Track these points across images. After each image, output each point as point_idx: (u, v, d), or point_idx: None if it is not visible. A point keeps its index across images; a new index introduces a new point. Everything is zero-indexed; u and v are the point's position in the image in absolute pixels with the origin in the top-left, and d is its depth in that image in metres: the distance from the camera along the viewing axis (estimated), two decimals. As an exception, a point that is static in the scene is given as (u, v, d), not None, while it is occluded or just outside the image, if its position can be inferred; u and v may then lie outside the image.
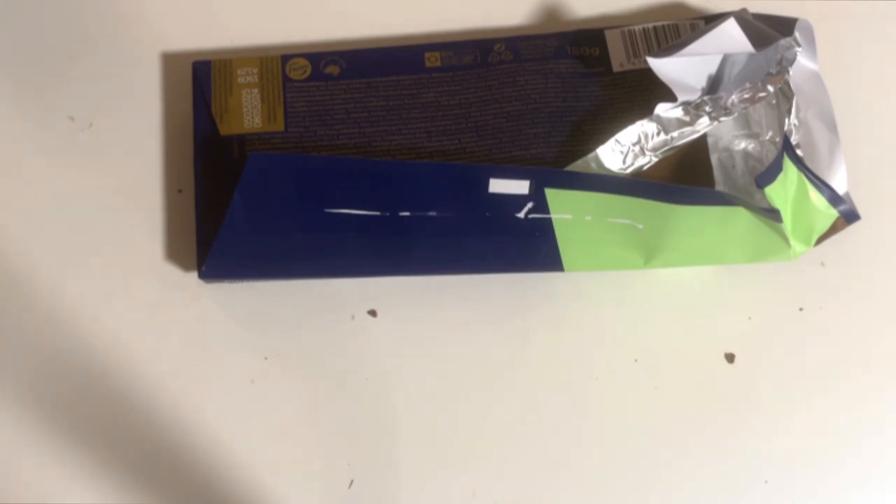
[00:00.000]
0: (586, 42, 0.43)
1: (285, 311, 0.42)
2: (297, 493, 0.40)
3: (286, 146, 0.41)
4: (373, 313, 0.42)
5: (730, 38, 0.39)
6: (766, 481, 0.40)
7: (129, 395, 0.40)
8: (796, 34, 0.40)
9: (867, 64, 0.46)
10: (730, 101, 0.40)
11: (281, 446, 0.40)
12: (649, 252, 0.40)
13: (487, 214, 0.39)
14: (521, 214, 0.39)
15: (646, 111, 0.40)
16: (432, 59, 0.43)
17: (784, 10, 0.46)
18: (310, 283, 0.42)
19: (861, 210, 0.43)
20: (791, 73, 0.40)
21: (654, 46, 0.43)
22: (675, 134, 0.40)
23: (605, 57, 0.43)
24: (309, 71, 0.42)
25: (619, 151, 0.39)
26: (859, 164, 0.44)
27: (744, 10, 0.43)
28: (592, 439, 0.41)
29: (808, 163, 0.41)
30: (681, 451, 0.41)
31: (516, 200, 0.39)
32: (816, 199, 0.41)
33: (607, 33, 0.44)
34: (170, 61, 0.45)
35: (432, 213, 0.38)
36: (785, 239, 0.40)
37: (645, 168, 0.40)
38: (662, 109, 0.39)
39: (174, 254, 0.42)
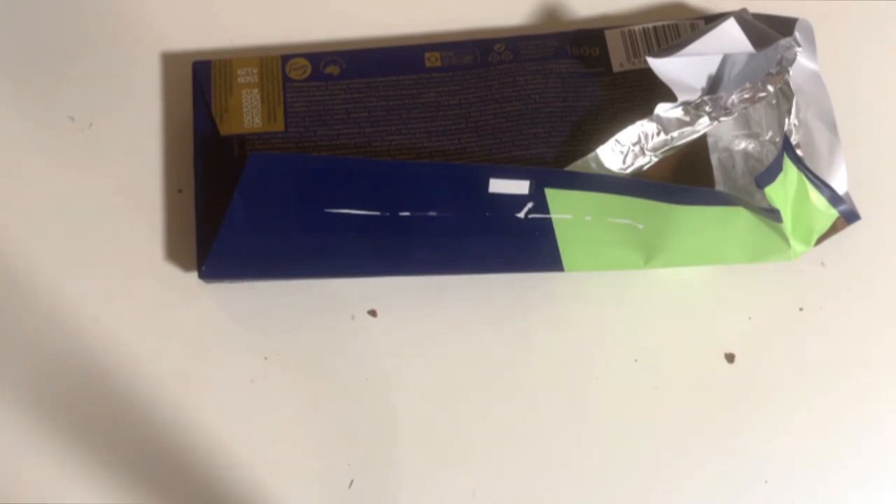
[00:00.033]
0: (586, 42, 0.43)
1: (285, 311, 0.42)
2: (297, 493, 0.40)
3: (286, 146, 0.41)
4: (373, 313, 0.42)
5: (730, 38, 0.39)
6: (766, 481, 0.40)
7: (129, 395, 0.40)
8: (796, 34, 0.40)
9: (867, 64, 0.46)
10: (730, 101, 0.40)
11: (281, 446, 0.40)
12: (649, 252, 0.40)
13: (487, 214, 0.39)
14: (521, 214, 0.39)
15: (646, 111, 0.40)
16: (432, 59, 0.43)
17: (784, 10, 0.46)
18: (310, 283, 0.42)
19: (861, 210, 0.43)
20: (791, 73, 0.40)
21: (654, 46, 0.43)
22: (675, 134, 0.40)
23: (605, 57, 0.43)
24: (309, 71, 0.42)
25: (619, 151, 0.39)
26: (859, 164, 0.44)
27: (744, 10, 0.43)
28: (592, 439, 0.41)
29: (808, 163, 0.41)
30: (681, 451, 0.41)
31: (516, 200, 0.39)
32: (816, 199, 0.41)
33: (607, 33, 0.44)
34: (170, 61, 0.45)
35: (432, 213, 0.38)
36: (785, 239, 0.40)
37: (645, 168, 0.40)
38: (662, 109, 0.39)
39: (174, 254, 0.42)
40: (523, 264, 0.40)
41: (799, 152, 0.40)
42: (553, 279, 0.42)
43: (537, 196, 0.38)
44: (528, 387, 0.41)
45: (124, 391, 0.40)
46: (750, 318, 0.42)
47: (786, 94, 0.40)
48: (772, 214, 0.39)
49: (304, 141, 0.41)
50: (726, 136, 0.43)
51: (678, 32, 0.44)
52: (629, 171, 0.40)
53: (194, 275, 0.42)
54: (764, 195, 0.39)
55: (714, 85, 0.40)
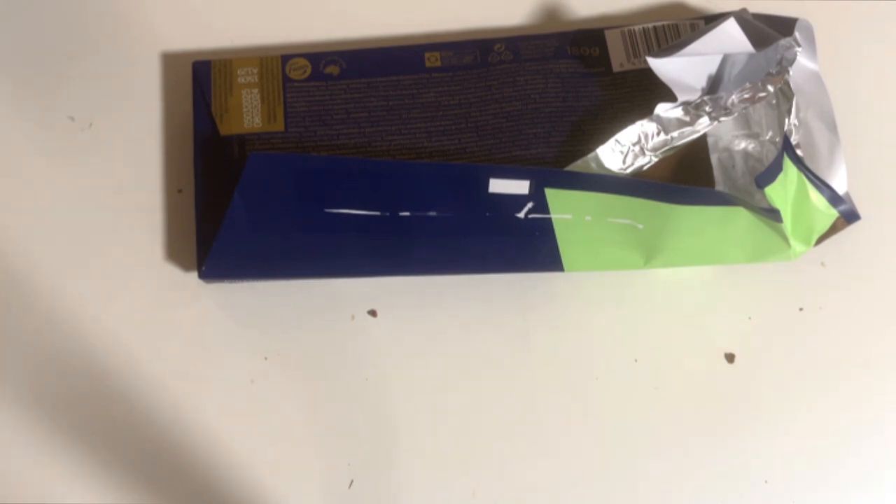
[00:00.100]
0: (586, 42, 0.43)
1: (285, 311, 0.42)
2: (297, 493, 0.40)
3: (286, 146, 0.41)
4: (373, 313, 0.42)
5: (730, 38, 0.39)
6: (766, 481, 0.40)
7: (129, 395, 0.40)
8: (796, 34, 0.40)
9: (867, 64, 0.46)
10: (730, 101, 0.40)
11: (281, 446, 0.40)
12: (649, 252, 0.40)
13: (487, 214, 0.39)
14: (521, 214, 0.39)
15: (646, 111, 0.40)
16: (432, 59, 0.43)
17: (784, 10, 0.46)
18: (310, 283, 0.42)
19: (861, 210, 0.43)
20: (791, 73, 0.40)
21: (654, 46, 0.43)
22: (675, 134, 0.40)
23: (605, 57, 0.43)
24: (309, 71, 0.42)
25: (619, 151, 0.39)
26: (859, 164, 0.44)
27: (744, 10, 0.43)
28: (592, 439, 0.41)
29: (808, 163, 0.41)
30: (681, 451, 0.41)
31: (516, 200, 0.39)
32: (816, 199, 0.41)
33: (607, 33, 0.44)
34: (170, 61, 0.45)
35: (432, 213, 0.38)
36: (785, 239, 0.40)
37: (645, 168, 0.40)
38: (662, 109, 0.39)
39: (174, 254, 0.42)
40: (523, 264, 0.40)
41: (799, 152, 0.40)
42: (553, 279, 0.42)
43: (537, 196, 0.38)
44: (528, 387, 0.41)
45: (124, 391, 0.40)
46: (750, 318, 0.42)
47: (786, 94, 0.40)
48: (772, 214, 0.39)
49: (304, 141, 0.41)
50: (726, 136, 0.43)
51: (678, 32, 0.44)
52: (629, 171, 0.40)
53: (194, 275, 0.42)
54: (764, 195, 0.39)
55: (714, 85, 0.40)
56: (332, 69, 0.42)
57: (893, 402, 0.41)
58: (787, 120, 0.40)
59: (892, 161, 0.45)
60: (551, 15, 0.46)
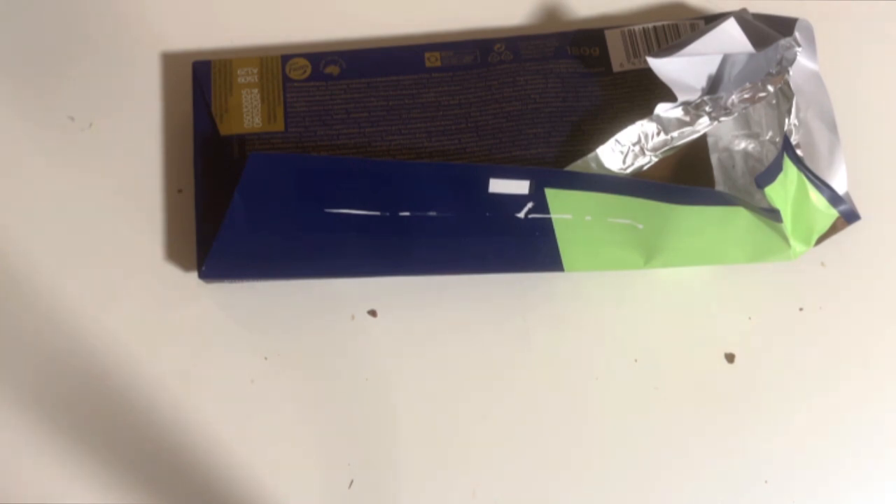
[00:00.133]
0: (586, 42, 0.43)
1: (285, 311, 0.42)
2: (297, 493, 0.40)
3: (286, 146, 0.41)
4: (373, 313, 0.42)
5: (730, 38, 0.39)
6: (766, 481, 0.40)
7: (129, 395, 0.40)
8: (796, 34, 0.40)
9: (867, 64, 0.46)
10: (730, 101, 0.40)
11: (281, 446, 0.40)
12: (649, 252, 0.40)
13: (487, 214, 0.39)
14: (521, 214, 0.39)
15: (646, 111, 0.40)
16: (432, 59, 0.43)
17: (784, 10, 0.46)
18: (310, 283, 0.42)
19: (861, 210, 0.43)
20: (791, 73, 0.40)
21: (654, 46, 0.43)
22: (675, 134, 0.40)
23: (605, 57, 0.43)
24: (309, 71, 0.42)
25: (619, 151, 0.39)
26: (859, 164, 0.44)
27: (744, 10, 0.43)
28: (592, 439, 0.41)
29: (808, 163, 0.41)
30: (681, 451, 0.41)
31: (516, 200, 0.39)
32: (816, 199, 0.41)
33: (607, 33, 0.44)
34: (170, 61, 0.45)
35: (432, 213, 0.38)
36: (785, 239, 0.40)
37: (645, 168, 0.40)
38: (662, 109, 0.39)
39: (174, 254, 0.42)
40: (523, 264, 0.40)
41: (799, 152, 0.40)
42: (553, 279, 0.42)
43: (537, 196, 0.38)
44: (528, 387, 0.41)
45: (124, 391, 0.40)
46: (750, 318, 0.42)
47: (786, 94, 0.40)
48: (772, 214, 0.39)
49: (304, 141, 0.41)
50: (726, 136, 0.43)
51: (678, 32, 0.44)
52: (629, 171, 0.40)
53: (194, 275, 0.42)
54: (764, 195, 0.39)
55: (714, 85, 0.40)
56: (332, 69, 0.42)
57: (893, 402, 0.41)
58: (787, 120, 0.40)
59: (892, 161, 0.45)
60: (551, 15, 0.46)
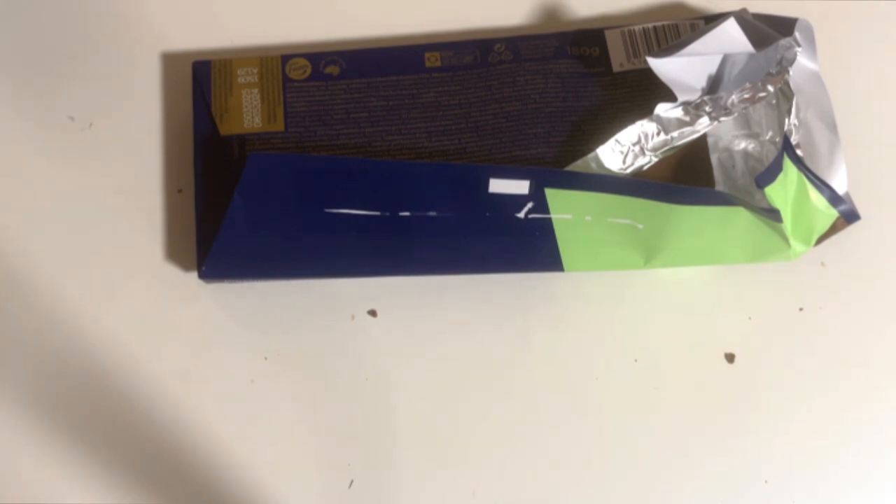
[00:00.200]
0: (586, 42, 0.43)
1: (285, 311, 0.42)
2: (297, 493, 0.40)
3: (286, 146, 0.41)
4: (373, 313, 0.42)
5: (730, 38, 0.39)
6: (766, 481, 0.40)
7: (129, 395, 0.40)
8: (796, 34, 0.40)
9: (867, 64, 0.46)
10: (730, 101, 0.40)
11: (281, 446, 0.40)
12: (649, 252, 0.40)
13: (487, 214, 0.39)
14: (521, 214, 0.39)
15: (646, 111, 0.40)
16: (432, 59, 0.43)
17: (784, 10, 0.46)
18: (310, 283, 0.42)
19: (861, 210, 0.43)
20: (791, 73, 0.40)
21: (654, 46, 0.43)
22: (675, 134, 0.40)
23: (605, 57, 0.43)
24: (309, 71, 0.42)
25: (619, 151, 0.39)
26: (859, 164, 0.44)
27: (744, 10, 0.43)
28: (592, 439, 0.41)
29: (808, 163, 0.41)
30: (681, 451, 0.41)
31: (516, 200, 0.39)
32: (816, 199, 0.41)
33: (607, 33, 0.44)
34: (170, 61, 0.45)
35: (432, 213, 0.38)
36: (785, 239, 0.40)
37: (645, 168, 0.40)
38: (662, 109, 0.39)
39: (174, 254, 0.42)
40: (523, 264, 0.40)
41: (799, 152, 0.40)
42: (553, 279, 0.42)
43: (537, 196, 0.38)
44: (528, 387, 0.41)
45: (124, 391, 0.40)
46: (750, 318, 0.42)
47: (786, 94, 0.40)
48: (772, 214, 0.39)
49: (304, 141, 0.41)
50: (726, 136, 0.43)
51: (678, 32, 0.44)
52: (629, 171, 0.40)
53: (194, 275, 0.42)
54: (764, 195, 0.39)
55: (714, 85, 0.40)
56: (332, 69, 0.42)
57: (893, 402, 0.41)
58: (787, 120, 0.40)
59: (892, 161, 0.45)
60: (551, 15, 0.46)
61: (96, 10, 0.45)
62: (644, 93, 0.42)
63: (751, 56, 0.40)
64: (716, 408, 0.41)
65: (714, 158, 0.42)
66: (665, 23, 0.44)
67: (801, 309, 0.42)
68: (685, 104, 0.39)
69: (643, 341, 0.42)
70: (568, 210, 0.39)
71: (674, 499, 0.40)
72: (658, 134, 0.39)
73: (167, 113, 0.44)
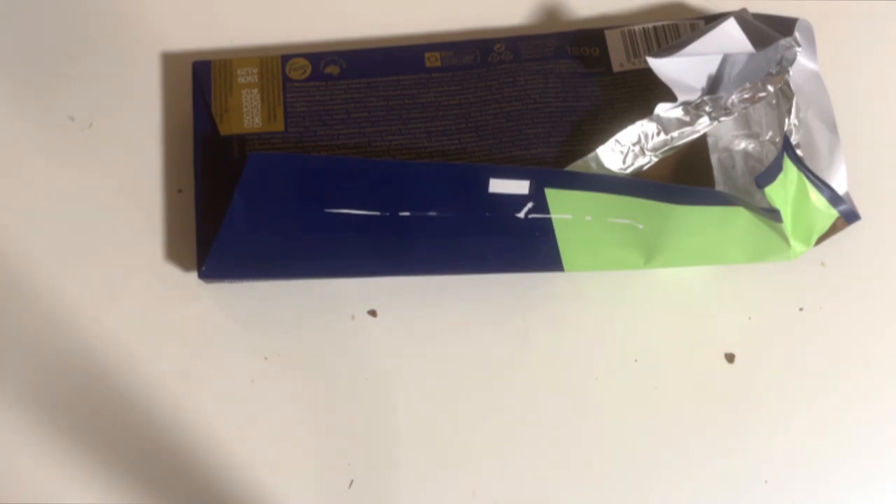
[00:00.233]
0: (586, 42, 0.43)
1: (285, 311, 0.42)
2: (297, 493, 0.40)
3: (286, 146, 0.41)
4: (373, 313, 0.42)
5: (730, 38, 0.39)
6: (766, 481, 0.40)
7: (129, 395, 0.40)
8: (796, 34, 0.40)
9: (867, 64, 0.46)
10: (730, 101, 0.40)
11: (281, 446, 0.40)
12: (649, 252, 0.40)
13: (487, 214, 0.39)
14: (521, 214, 0.39)
15: (646, 111, 0.40)
16: (432, 59, 0.43)
17: (784, 10, 0.46)
18: (310, 283, 0.42)
19: (861, 210, 0.43)
20: (791, 73, 0.40)
21: (654, 46, 0.43)
22: (675, 134, 0.40)
23: (605, 57, 0.43)
24: (309, 71, 0.42)
25: (619, 151, 0.39)
26: (859, 164, 0.44)
27: (744, 10, 0.43)
28: (592, 439, 0.41)
29: (808, 163, 0.41)
30: (681, 451, 0.41)
31: (516, 200, 0.39)
32: (816, 199, 0.41)
33: (607, 33, 0.44)
34: (170, 61, 0.45)
35: (432, 213, 0.38)
36: (785, 239, 0.40)
37: (645, 168, 0.40)
38: (662, 109, 0.39)
39: (174, 254, 0.42)
40: (523, 264, 0.40)
41: (799, 152, 0.40)
42: (553, 279, 0.42)
43: (537, 196, 0.38)
44: (528, 387, 0.41)
45: (124, 391, 0.40)
46: (750, 318, 0.42)
47: (786, 94, 0.40)
48: (772, 214, 0.39)
49: (304, 141, 0.41)
50: (726, 136, 0.43)
51: (678, 32, 0.44)
52: (629, 171, 0.40)
53: (194, 275, 0.42)
54: (764, 195, 0.39)
55: (714, 85, 0.40)
56: (332, 69, 0.42)
57: (893, 402, 0.41)
58: (787, 120, 0.40)
59: (892, 161, 0.45)
60: (551, 15, 0.46)
61: (96, 10, 0.45)
62: (644, 93, 0.42)
63: (751, 56, 0.40)
64: (716, 408, 0.41)
65: (714, 158, 0.42)
66: (665, 23, 0.44)
67: (801, 309, 0.42)
68: (685, 104, 0.39)
69: (643, 341, 0.42)
70: (568, 210, 0.39)
71: (674, 499, 0.40)
72: (658, 134, 0.39)
73: (167, 113, 0.44)
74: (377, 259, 0.39)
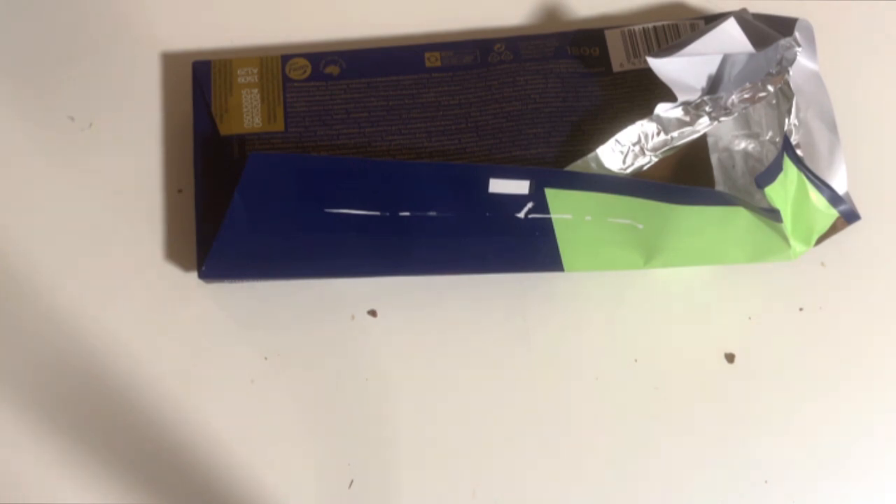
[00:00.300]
0: (586, 42, 0.43)
1: (285, 311, 0.42)
2: (297, 493, 0.40)
3: (286, 146, 0.41)
4: (373, 313, 0.42)
5: (730, 38, 0.39)
6: (766, 481, 0.40)
7: (129, 395, 0.40)
8: (796, 34, 0.40)
9: (867, 64, 0.46)
10: (730, 101, 0.40)
11: (281, 446, 0.40)
12: (649, 252, 0.40)
13: (487, 214, 0.39)
14: (521, 214, 0.39)
15: (646, 111, 0.40)
16: (432, 59, 0.43)
17: (784, 10, 0.46)
18: (310, 283, 0.42)
19: (861, 210, 0.43)
20: (791, 73, 0.40)
21: (654, 46, 0.43)
22: (675, 134, 0.40)
23: (605, 57, 0.43)
24: (309, 71, 0.42)
25: (619, 151, 0.39)
26: (859, 164, 0.44)
27: (744, 10, 0.43)
28: (592, 439, 0.41)
29: (808, 163, 0.41)
30: (681, 451, 0.41)
31: (516, 200, 0.39)
32: (816, 199, 0.41)
33: (607, 33, 0.44)
34: (170, 61, 0.45)
35: (432, 213, 0.38)
36: (785, 239, 0.40)
37: (645, 168, 0.40)
38: (662, 109, 0.39)
39: (174, 254, 0.42)
40: (523, 264, 0.40)
41: (799, 152, 0.40)
42: (553, 279, 0.42)
43: (537, 196, 0.38)
44: (528, 387, 0.41)
45: (124, 391, 0.40)
46: (750, 318, 0.42)
47: (786, 94, 0.40)
48: (772, 214, 0.39)
49: (304, 141, 0.41)
50: (726, 136, 0.43)
51: (678, 32, 0.44)
52: (629, 171, 0.40)
53: (194, 275, 0.42)
54: (764, 195, 0.39)
55: (714, 85, 0.40)
56: (332, 69, 0.42)
57: (893, 402, 0.41)
58: (787, 120, 0.40)
59: (892, 161, 0.45)
60: (551, 15, 0.46)
61: (96, 10, 0.45)
62: (644, 93, 0.42)
63: (751, 56, 0.40)
64: (716, 408, 0.41)
65: (714, 158, 0.42)
66: (665, 23, 0.44)
67: (801, 309, 0.42)
68: (685, 104, 0.39)
69: (643, 341, 0.42)
70: (568, 210, 0.39)
71: (674, 499, 0.40)
72: (658, 134, 0.39)
73: (167, 113, 0.44)
74: (377, 259, 0.39)
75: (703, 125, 0.39)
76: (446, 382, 0.41)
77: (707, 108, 0.39)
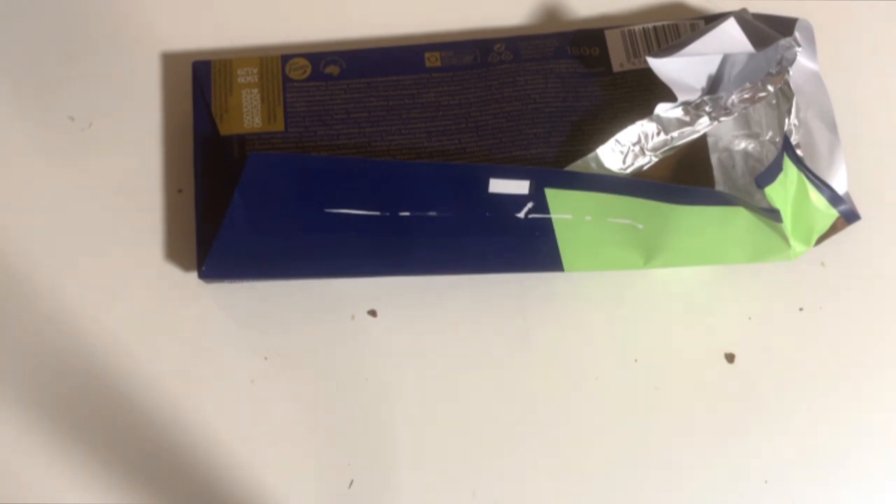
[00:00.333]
0: (586, 42, 0.43)
1: (285, 311, 0.42)
2: (297, 493, 0.40)
3: (286, 146, 0.41)
4: (373, 313, 0.42)
5: (730, 38, 0.39)
6: (766, 481, 0.40)
7: (129, 395, 0.40)
8: (796, 34, 0.40)
9: (867, 64, 0.46)
10: (730, 101, 0.40)
11: (281, 446, 0.40)
12: (649, 252, 0.40)
13: (487, 214, 0.39)
14: (521, 214, 0.39)
15: (646, 111, 0.40)
16: (432, 59, 0.43)
17: (784, 10, 0.46)
18: (310, 283, 0.42)
19: (861, 210, 0.43)
20: (791, 73, 0.40)
21: (654, 46, 0.43)
22: (675, 134, 0.40)
23: (605, 57, 0.43)
24: (309, 71, 0.42)
25: (619, 151, 0.39)
26: (859, 164, 0.44)
27: (744, 10, 0.43)
28: (592, 439, 0.41)
29: (808, 163, 0.41)
30: (681, 451, 0.41)
31: (516, 200, 0.39)
32: (816, 199, 0.41)
33: (607, 33, 0.44)
34: (170, 61, 0.45)
35: (432, 213, 0.38)
36: (785, 239, 0.40)
37: (645, 168, 0.40)
38: (662, 109, 0.39)
39: (174, 254, 0.42)
40: (523, 264, 0.41)
41: (799, 152, 0.40)
42: (553, 279, 0.42)
43: (537, 196, 0.38)
44: (528, 387, 0.41)
45: (124, 391, 0.40)
46: (750, 318, 0.42)
47: (786, 94, 0.40)
48: (772, 214, 0.39)
49: (304, 141, 0.41)
50: (726, 136, 0.43)
51: (678, 32, 0.44)
52: (629, 171, 0.40)
53: (194, 275, 0.42)
54: (764, 195, 0.39)
55: (714, 85, 0.40)
56: (332, 69, 0.42)
57: (893, 402, 0.41)
58: (787, 120, 0.40)
59: (892, 161, 0.45)
60: (551, 15, 0.46)
61: (96, 10, 0.45)
62: (644, 93, 0.42)
63: (751, 56, 0.40)
64: (716, 408, 0.41)
65: (714, 158, 0.42)
66: (665, 23, 0.44)
67: (801, 309, 0.42)
68: (685, 104, 0.39)
69: (643, 341, 0.42)
70: (568, 210, 0.39)
71: (674, 499, 0.40)
72: (658, 134, 0.39)
73: (167, 113, 0.44)
74: (377, 259, 0.39)
75: (703, 125, 0.39)
76: (446, 382, 0.41)
77: (707, 108, 0.39)
